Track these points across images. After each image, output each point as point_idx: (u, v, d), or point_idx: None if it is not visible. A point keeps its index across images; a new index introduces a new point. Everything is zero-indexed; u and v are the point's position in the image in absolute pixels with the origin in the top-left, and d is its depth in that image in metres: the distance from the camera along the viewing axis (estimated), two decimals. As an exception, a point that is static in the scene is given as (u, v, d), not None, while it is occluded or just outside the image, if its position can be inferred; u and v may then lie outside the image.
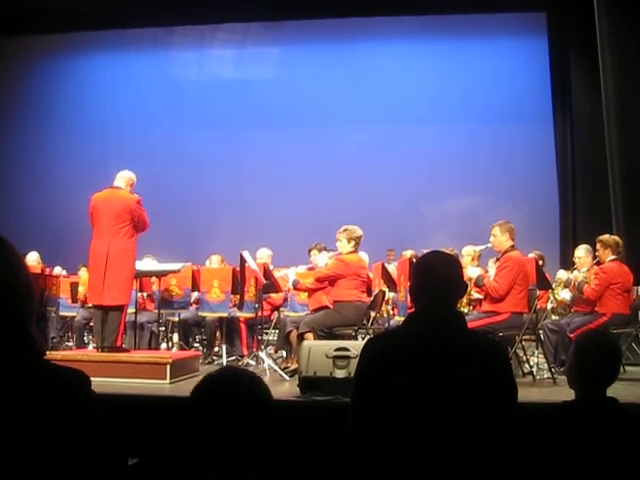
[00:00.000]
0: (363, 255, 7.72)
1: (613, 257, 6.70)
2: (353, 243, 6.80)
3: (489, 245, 6.35)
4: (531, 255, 7.50)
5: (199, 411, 1.71)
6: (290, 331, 6.92)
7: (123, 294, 6.25)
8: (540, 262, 7.23)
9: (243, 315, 7.57)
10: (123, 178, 6.37)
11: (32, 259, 8.83)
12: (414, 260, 6.71)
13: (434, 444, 2.20)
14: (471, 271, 6.28)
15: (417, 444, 2.21)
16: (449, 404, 2.22)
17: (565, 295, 7.17)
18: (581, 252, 7.21)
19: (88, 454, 1.44)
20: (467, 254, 7.25)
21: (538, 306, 6.81)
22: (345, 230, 6.82)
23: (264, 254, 8.26)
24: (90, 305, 8.46)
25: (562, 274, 7.36)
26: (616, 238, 6.85)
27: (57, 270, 9.65)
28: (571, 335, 6.26)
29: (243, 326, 7.74)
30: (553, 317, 7.40)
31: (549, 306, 7.55)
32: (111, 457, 1.49)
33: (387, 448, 2.26)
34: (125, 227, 6.18)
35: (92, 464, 1.44)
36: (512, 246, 6.15)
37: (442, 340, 2.32)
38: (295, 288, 7.18)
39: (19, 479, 1.37)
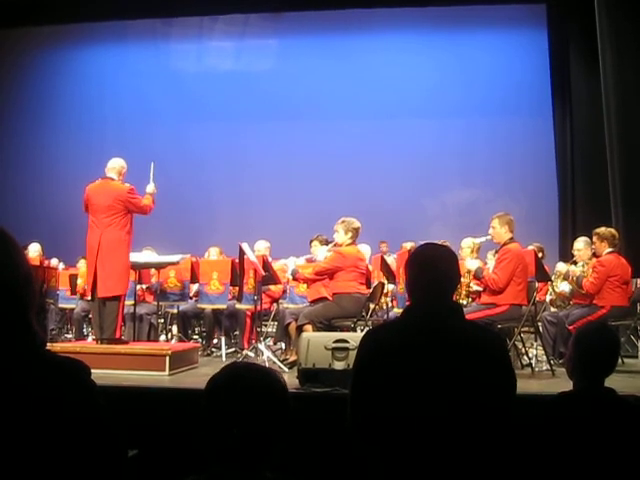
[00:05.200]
0: (364, 247, 7.73)
1: (610, 250, 6.71)
2: (350, 234, 6.80)
3: (488, 237, 6.35)
4: (530, 247, 7.50)
5: (214, 406, 1.70)
6: (289, 323, 6.93)
7: (117, 285, 6.22)
8: (539, 254, 7.23)
9: (248, 308, 7.54)
10: (114, 168, 6.35)
11: (34, 250, 8.82)
12: (413, 252, 6.72)
13: (433, 435, 2.20)
14: (470, 263, 6.28)
15: (416, 435, 2.22)
16: (447, 395, 2.22)
17: (564, 287, 7.17)
18: (580, 244, 7.22)
19: (88, 443, 1.44)
20: (466, 246, 7.24)
21: (537, 298, 6.82)
22: (343, 222, 6.83)
23: (262, 246, 8.25)
24: (89, 297, 8.51)
25: (561, 266, 7.35)
26: (612, 230, 6.85)
27: (54, 262, 9.63)
28: (570, 327, 6.26)
29: (249, 320, 7.72)
30: (552, 309, 7.41)
31: (548, 298, 7.56)
32: (111, 445, 1.49)
33: (385, 440, 2.27)
34: (118, 218, 6.17)
35: (92, 452, 1.45)
36: (511, 238, 6.15)
37: (439, 331, 2.32)
38: (294, 278, 7.18)
39: (20, 467, 1.37)
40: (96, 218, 6.20)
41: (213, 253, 8.94)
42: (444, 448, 2.20)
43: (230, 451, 1.66)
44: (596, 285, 6.55)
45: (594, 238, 6.83)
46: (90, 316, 8.65)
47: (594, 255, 6.98)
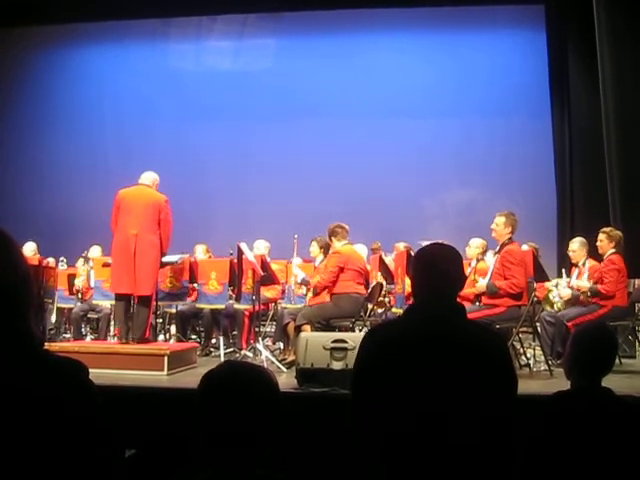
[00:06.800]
0: (360, 247, 7.73)
1: (613, 250, 6.71)
2: (335, 238, 6.94)
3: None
4: (525, 247, 7.51)
5: (205, 405, 1.71)
6: (287, 323, 6.93)
7: (154, 284, 6.52)
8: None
9: (247, 308, 7.54)
10: (148, 178, 6.65)
11: (29, 249, 8.81)
12: (411, 252, 6.72)
13: (434, 436, 2.20)
14: (481, 285, 6.15)
15: (417, 436, 2.21)
16: (449, 395, 2.22)
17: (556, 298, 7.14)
18: (575, 245, 7.23)
19: (85, 442, 1.45)
20: (475, 246, 7.21)
21: (535, 298, 6.81)
22: (330, 231, 7.00)
23: (261, 245, 8.24)
24: (89, 298, 8.51)
25: (565, 293, 7.15)
26: (620, 233, 6.85)
27: (51, 260, 9.59)
28: (569, 324, 6.25)
29: (247, 320, 7.72)
30: (548, 309, 7.39)
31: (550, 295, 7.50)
32: (109, 445, 1.49)
33: (386, 439, 2.26)
34: (152, 223, 6.39)
35: (89, 452, 1.45)
36: (510, 238, 6.14)
37: (442, 332, 2.31)
38: (307, 289, 7.19)
39: (18, 466, 1.38)
40: (130, 220, 6.37)
41: (199, 251, 8.86)
42: (445, 448, 2.19)
43: (221, 449, 1.67)
44: (613, 283, 6.52)
45: (602, 236, 6.77)
46: (89, 316, 8.69)
47: (589, 256, 7.01)
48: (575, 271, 7.22)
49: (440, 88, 11.44)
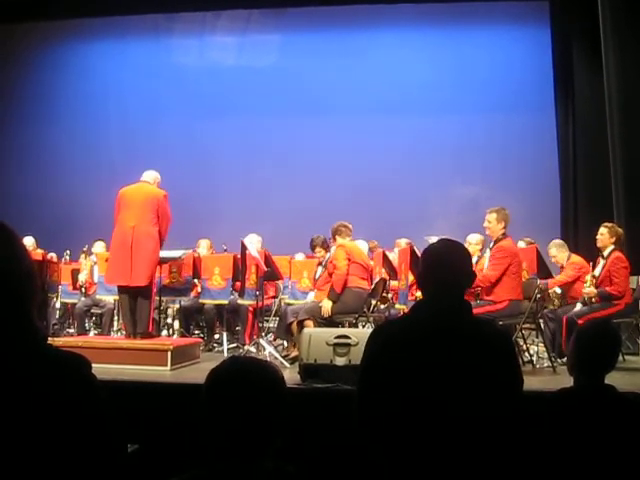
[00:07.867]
0: (361, 243, 7.73)
1: (613, 247, 6.66)
2: (339, 235, 6.98)
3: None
4: (521, 243, 7.51)
5: (212, 401, 1.72)
6: (291, 322, 6.88)
7: (151, 276, 6.50)
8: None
9: (250, 303, 7.54)
10: (150, 176, 6.77)
11: (28, 243, 8.81)
12: (414, 249, 6.71)
13: (441, 431, 2.20)
14: None
15: (424, 431, 2.21)
16: (456, 391, 2.22)
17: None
18: (553, 251, 7.28)
19: (88, 437, 1.45)
20: (474, 242, 7.21)
21: (538, 295, 6.78)
22: (334, 232, 7.06)
23: (254, 239, 8.17)
24: (92, 293, 8.52)
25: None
26: (621, 230, 6.81)
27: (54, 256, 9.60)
28: (579, 321, 6.21)
29: (251, 315, 7.72)
30: (550, 307, 7.38)
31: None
32: (111, 440, 1.50)
33: (394, 436, 2.26)
34: (151, 215, 6.45)
35: (92, 447, 1.45)
36: (503, 234, 6.11)
37: (449, 328, 2.32)
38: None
39: (20, 461, 1.38)
40: (129, 214, 6.45)
41: (203, 245, 8.83)
42: (452, 443, 2.20)
43: (230, 443, 1.68)
44: (623, 282, 6.48)
45: (604, 230, 6.68)
46: (92, 311, 8.70)
47: (571, 252, 7.04)
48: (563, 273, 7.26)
49: (444, 84, 11.43)
